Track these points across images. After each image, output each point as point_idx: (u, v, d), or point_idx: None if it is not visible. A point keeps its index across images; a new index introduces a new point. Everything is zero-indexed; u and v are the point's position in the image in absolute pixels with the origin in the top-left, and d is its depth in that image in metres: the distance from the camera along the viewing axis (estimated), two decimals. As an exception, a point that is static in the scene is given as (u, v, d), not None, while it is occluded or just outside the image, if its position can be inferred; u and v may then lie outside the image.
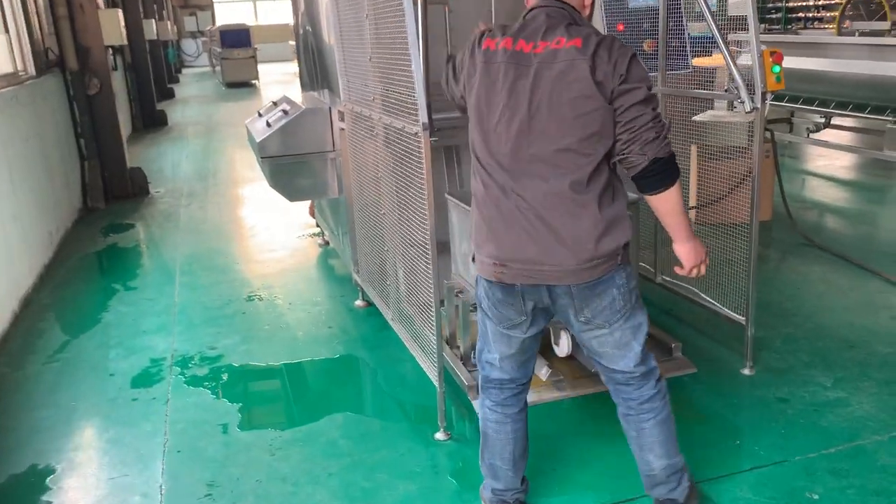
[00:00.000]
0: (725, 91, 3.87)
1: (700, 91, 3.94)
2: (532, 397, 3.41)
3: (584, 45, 2.18)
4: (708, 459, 2.96)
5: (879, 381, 3.52)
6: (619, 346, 2.43)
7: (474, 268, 2.48)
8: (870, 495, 2.74)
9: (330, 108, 4.52)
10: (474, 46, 2.39)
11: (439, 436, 3.21)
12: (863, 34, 7.64)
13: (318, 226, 6.25)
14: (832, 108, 7.84)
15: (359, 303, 4.71)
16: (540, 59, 2.22)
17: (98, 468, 3.18)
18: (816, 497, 2.72)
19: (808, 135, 8.40)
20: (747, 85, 3.36)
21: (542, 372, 3.57)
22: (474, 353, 3.72)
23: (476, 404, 3.38)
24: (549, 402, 3.43)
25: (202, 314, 4.76)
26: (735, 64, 3.38)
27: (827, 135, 8.39)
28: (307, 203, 6.35)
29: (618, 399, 2.59)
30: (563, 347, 3.58)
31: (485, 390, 2.68)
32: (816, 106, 8.00)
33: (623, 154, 2.25)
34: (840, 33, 8.46)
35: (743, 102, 3.43)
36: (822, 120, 8.30)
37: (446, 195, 3.61)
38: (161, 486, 3.01)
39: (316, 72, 5.13)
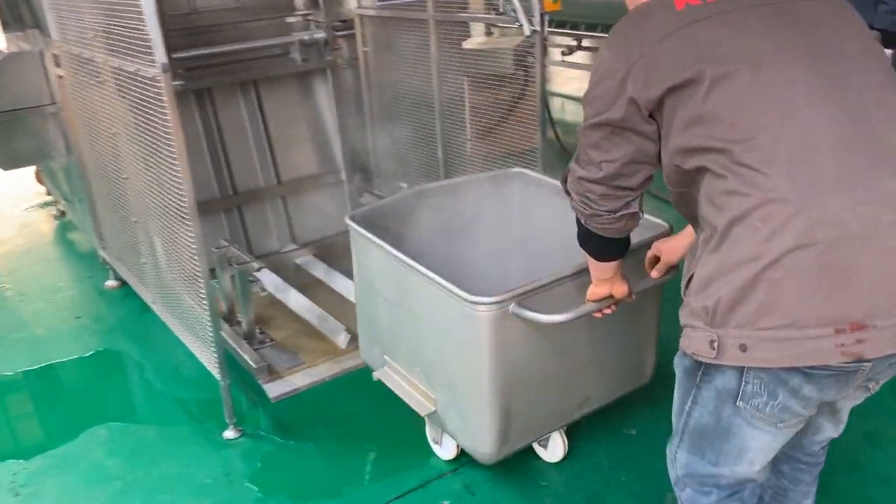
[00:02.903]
0: (500, 14, 3.62)
1: (475, 16, 3.66)
2: (333, 369, 3.07)
3: None
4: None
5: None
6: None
7: (732, 354, 1.41)
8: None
9: (42, 51, 3.67)
10: None
11: (229, 434, 2.74)
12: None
13: (49, 194, 5.28)
14: (583, 31, 8.05)
15: (110, 283, 3.99)
16: None
17: None
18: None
19: (563, 58, 8.60)
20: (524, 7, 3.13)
21: (341, 338, 3.21)
22: (259, 331, 3.28)
23: (268, 388, 2.95)
24: (351, 371, 3.07)
25: None
26: (511, -17, 3.12)
27: (577, 56, 8.64)
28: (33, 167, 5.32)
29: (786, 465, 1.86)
30: (557, 451, 2.50)
31: None
32: (568, 29, 8.18)
33: None
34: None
35: (521, 26, 3.20)
36: (575, 42, 8.52)
37: (347, 220, 2.57)
38: None
39: (19, 7, 4.16)
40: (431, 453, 2.58)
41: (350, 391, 2.97)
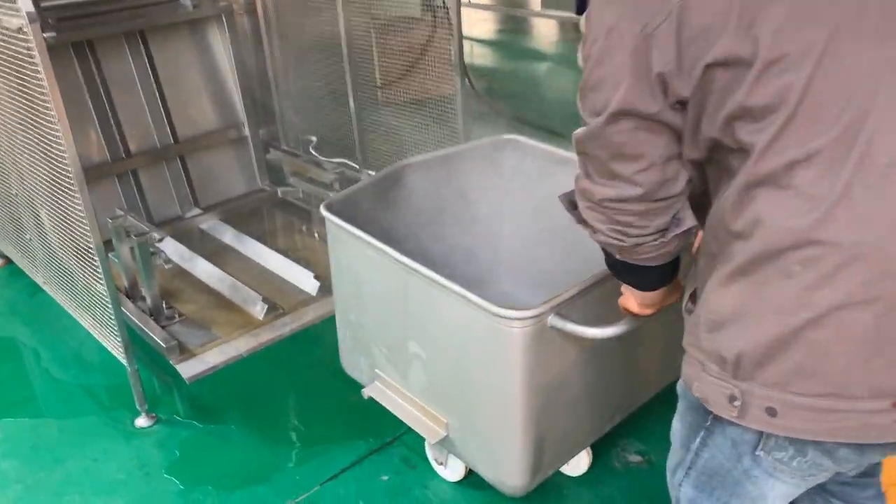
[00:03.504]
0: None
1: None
2: (250, 343, 2.87)
3: None
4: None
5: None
6: None
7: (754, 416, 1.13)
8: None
9: None
10: None
11: (141, 422, 2.52)
12: None
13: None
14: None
15: (-6, 261, 3.63)
16: None
17: None
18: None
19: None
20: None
21: (257, 309, 2.99)
22: (166, 306, 3.02)
23: (182, 369, 2.72)
24: (270, 344, 2.87)
25: None
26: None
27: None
28: None
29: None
30: (581, 464, 2.25)
31: None
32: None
33: None
34: None
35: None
36: (477, -18, 8.34)
37: (323, 212, 2.13)
38: None
39: None
40: (363, 428, 2.43)
41: (270, 366, 2.78)
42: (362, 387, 2.27)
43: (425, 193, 2.42)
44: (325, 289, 3.10)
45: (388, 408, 2.16)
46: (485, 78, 6.50)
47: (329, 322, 2.94)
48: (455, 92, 3.32)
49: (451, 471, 2.21)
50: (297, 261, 3.30)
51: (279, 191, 3.87)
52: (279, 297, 3.09)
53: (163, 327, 2.89)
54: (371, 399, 2.20)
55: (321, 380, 2.69)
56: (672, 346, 1.93)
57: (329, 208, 2.13)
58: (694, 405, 1.25)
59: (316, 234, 3.60)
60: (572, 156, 2.34)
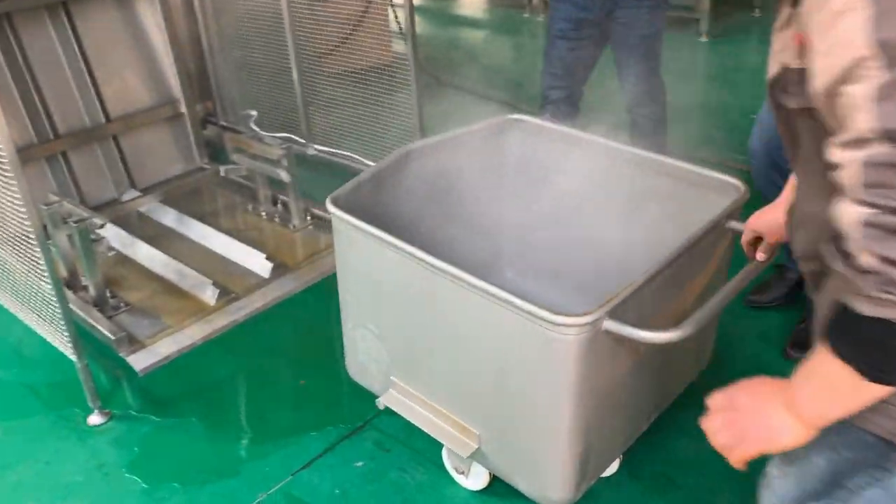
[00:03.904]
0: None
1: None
2: (204, 330, 2.75)
3: None
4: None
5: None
6: None
7: None
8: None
9: None
10: None
11: (95, 419, 2.39)
12: None
13: None
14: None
15: (-86, 254, 3.37)
16: None
17: None
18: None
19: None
20: None
21: (208, 294, 2.87)
22: (110, 295, 2.87)
23: (133, 361, 2.59)
24: (224, 331, 2.76)
25: None
26: None
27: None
28: None
29: None
30: (613, 465, 2.14)
31: None
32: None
33: None
34: None
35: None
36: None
37: (329, 206, 1.93)
38: None
39: None
40: (331, 413, 2.36)
41: (227, 353, 2.67)
42: (346, 375, 2.19)
43: (426, 180, 2.27)
44: (278, 270, 3.01)
45: (407, 418, 1.99)
46: (420, 47, 6.37)
47: (285, 305, 2.87)
48: (407, 60, 3.25)
49: (474, 480, 2.05)
50: (245, 242, 3.18)
51: (222, 169, 3.70)
52: (229, 282, 2.97)
53: (109, 318, 2.75)
54: (337, 383, 2.12)
55: (282, 365, 2.61)
56: (704, 336, 1.98)
57: (336, 203, 1.92)
58: (869, 443, 1.10)
59: (263, 214, 3.47)
60: (583, 135, 2.21)
